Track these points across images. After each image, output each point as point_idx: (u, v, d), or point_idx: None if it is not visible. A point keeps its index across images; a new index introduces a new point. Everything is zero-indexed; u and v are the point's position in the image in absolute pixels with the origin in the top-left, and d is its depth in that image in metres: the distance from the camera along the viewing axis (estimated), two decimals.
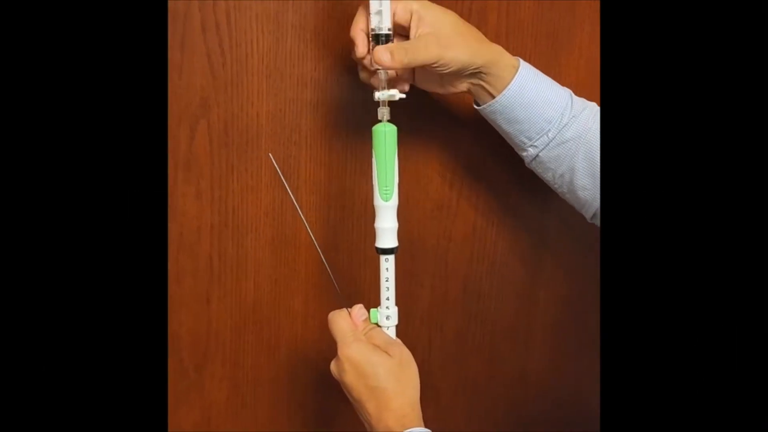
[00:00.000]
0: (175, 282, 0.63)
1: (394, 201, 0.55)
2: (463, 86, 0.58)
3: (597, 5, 0.69)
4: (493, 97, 0.57)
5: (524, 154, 0.61)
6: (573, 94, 0.60)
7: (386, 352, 0.52)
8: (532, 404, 0.82)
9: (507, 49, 0.67)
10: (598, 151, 0.57)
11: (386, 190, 0.54)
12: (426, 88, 0.60)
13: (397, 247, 0.56)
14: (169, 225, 0.61)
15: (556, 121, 0.58)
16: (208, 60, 0.59)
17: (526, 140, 0.59)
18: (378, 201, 0.55)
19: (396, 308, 0.57)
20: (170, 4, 0.57)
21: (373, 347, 0.53)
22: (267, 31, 0.60)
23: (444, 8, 0.56)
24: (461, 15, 0.64)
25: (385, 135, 0.53)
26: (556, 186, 0.62)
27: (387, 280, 0.56)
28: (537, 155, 0.60)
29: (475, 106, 0.61)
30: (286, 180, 0.62)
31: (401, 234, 0.58)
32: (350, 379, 0.52)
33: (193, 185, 0.61)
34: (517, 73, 0.57)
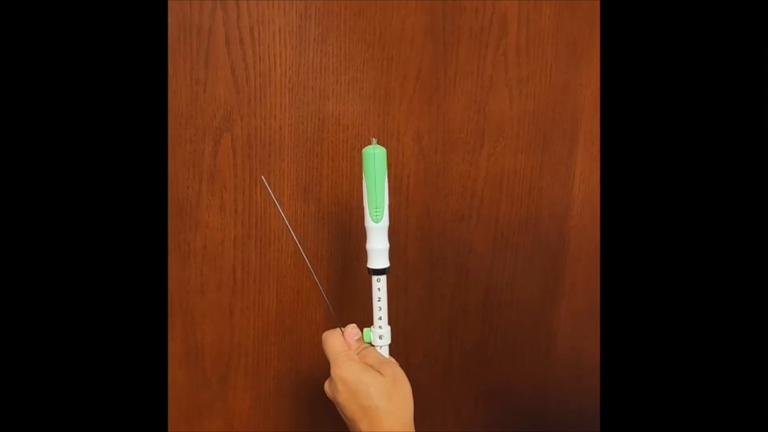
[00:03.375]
0: (199, 293, 0.64)
1: (384, 222, 0.55)
2: None
3: None
4: None
5: None
6: None
7: (378, 372, 0.52)
8: (552, 416, 0.81)
9: (527, 59, 0.67)
10: None
11: (377, 212, 0.55)
12: None
13: (388, 268, 0.56)
14: (194, 237, 0.62)
15: None
16: (231, 74, 0.59)
17: None
18: (369, 222, 0.55)
19: (389, 327, 0.57)
20: (195, 20, 0.57)
21: (365, 366, 0.53)
22: (290, 45, 0.60)
23: None
24: (482, 25, 0.65)
25: (375, 157, 0.54)
26: None
27: (379, 300, 0.56)
28: None
29: None
30: (279, 202, 0.63)
31: (422, 245, 0.58)
32: (343, 399, 0.52)
33: (217, 197, 0.62)
34: None
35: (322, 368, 0.70)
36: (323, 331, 0.56)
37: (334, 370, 0.53)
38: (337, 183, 0.65)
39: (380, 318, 0.56)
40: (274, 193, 0.63)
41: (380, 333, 0.56)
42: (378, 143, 0.54)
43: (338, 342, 0.55)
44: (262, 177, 0.61)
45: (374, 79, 0.64)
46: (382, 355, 0.55)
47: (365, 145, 0.54)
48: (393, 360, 0.55)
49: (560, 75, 0.69)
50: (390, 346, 0.57)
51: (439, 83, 0.66)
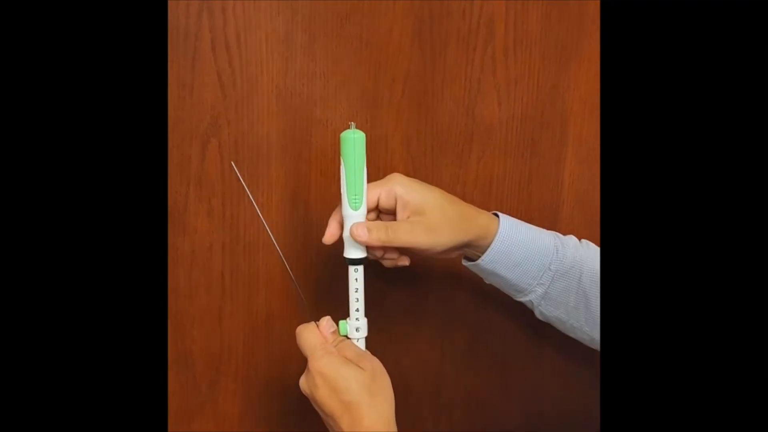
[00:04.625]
0: (188, 299, 0.64)
1: (363, 210, 0.54)
2: (453, 254, 0.59)
3: None
4: (484, 250, 0.58)
5: (532, 296, 0.61)
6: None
7: (358, 365, 0.51)
8: (546, 417, 0.81)
9: (515, 62, 0.67)
10: (599, 265, 0.58)
11: (355, 199, 0.54)
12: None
13: (366, 258, 0.56)
14: (182, 242, 0.62)
15: (553, 253, 0.59)
16: (218, 79, 0.60)
17: (531, 280, 0.60)
18: (347, 210, 0.54)
19: (365, 319, 0.56)
20: (181, 25, 0.57)
21: (345, 360, 0.51)
22: (277, 50, 0.60)
23: (428, 187, 0.56)
24: (469, 28, 0.65)
25: (354, 142, 0.53)
26: (572, 322, 0.62)
27: (356, 291, 0.55)
28: (546, 292, 0.60)
29: (467, 263, 0.61)
30: (251, 191, 0.62)
31: None
32: (322, 394, 0.51)
33: (204, 203, 0.62)
34: (499, 219, 0.58)
35: None
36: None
37: (313, 364, 0.52)
38: (325, 187, 0.65)
39: (357, 310, 0.56)
40: (256, 189, 0.63)
41: (357, 325, 0.56)
42: (367, 145, 0.54)
43: (314, 335, 0.54)
44: (232, 163, 0.61)
45: (362, 83, 0.64)
46: (359, 348, 0.55)
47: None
48: (370, 353, 0.54)
49: (548, 77, 0.69)
50: (380, 347, 0.57)
51: (427, 87, 0.66)
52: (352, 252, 0.55)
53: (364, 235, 0.53)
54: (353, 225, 0.54)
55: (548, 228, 0.74)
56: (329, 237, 0.56)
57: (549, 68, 0.68)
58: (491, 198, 0.71)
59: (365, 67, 0.63)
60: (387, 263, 0.58)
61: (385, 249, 0.56)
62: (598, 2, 0.68)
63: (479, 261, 0.58)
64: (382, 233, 0.54)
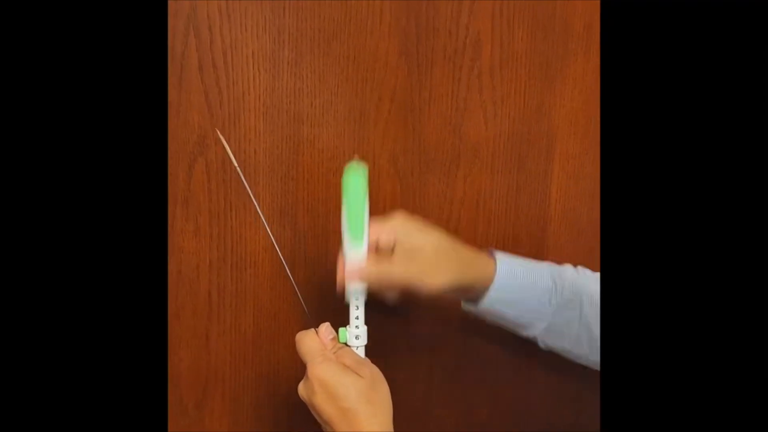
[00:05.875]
0: (175, 318, 0.63)
1: (364, 248, 0.54)
2: (449, 296, 0.59)
3: (590, 36, 0.70)
4: (483, 292, 0.58)
5: (535, 331, 0.62)
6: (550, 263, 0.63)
7: (357, 373, 0.51)
8: None
9: (501, 80, 0.68)
10: (598, 293, 0.59)
11: (356, 237, 0.54)
12: None
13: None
14: (169, 262, 0.62)
15: (552, 288, 0.60)
16: (205, 99, 0.59)
17: (532, 317, 0.60)
18: (348, 248, 0.54)
19: (365, 327, 0.56)
20: (168, 44, 0.57)
21: (343, 367, 0.51)
22: (263, 69, 0.60)
23: (427, 230, 0.56)
24: (455, 48, 0.65)
25: (356, 180, 0.53)
26: (576, 351, 0.62)
27: (357, 299, 0.56)
28: (548, 326, 0.61)
29: (467, 308, 0.61)
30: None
31: None
32: (320, 401, 0.50)
33: (191, 222, 0.62)
34: (496, 263, 0.58)
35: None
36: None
37: (312, 370, 0.51)
38: (312, 206, 0.65)
39: (357, 317, 0.55)
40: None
41: (357, 333, 0.55)
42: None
43: (314, 342, 0.54)
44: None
45: (349, 101, 0.64)
46: (358, 356, 0.55)
47: (341, 168, 0.54)
48: (369, 361, 0.54)
49: (534, 95, 0.69)
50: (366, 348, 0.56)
51: (414, 105, 0.66)
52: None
53: (358, 284, 0.55)
54: (347, 271, 0.54)
55: (537, 245, 0.74)
56: (341, 286, 0.56)
57: (535, 87, 0.69)
58: (479, 216, 0.71)
59: (352, 84, 0.64)
60: (389, 302, 0.59)
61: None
62: (583, 22, 0.69)
63: (478, 306, 0.59)
64: (374, 277, 0.54)
